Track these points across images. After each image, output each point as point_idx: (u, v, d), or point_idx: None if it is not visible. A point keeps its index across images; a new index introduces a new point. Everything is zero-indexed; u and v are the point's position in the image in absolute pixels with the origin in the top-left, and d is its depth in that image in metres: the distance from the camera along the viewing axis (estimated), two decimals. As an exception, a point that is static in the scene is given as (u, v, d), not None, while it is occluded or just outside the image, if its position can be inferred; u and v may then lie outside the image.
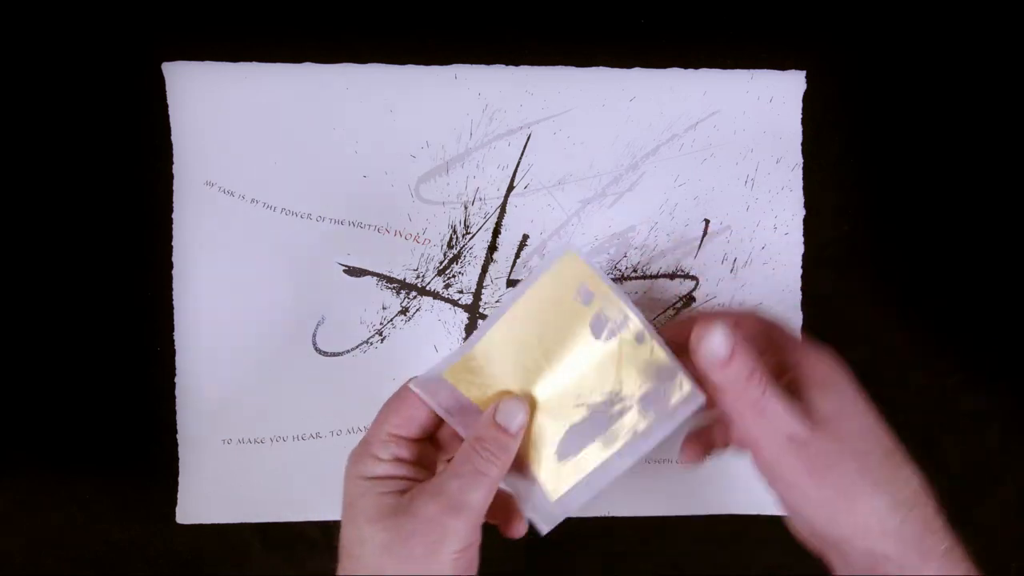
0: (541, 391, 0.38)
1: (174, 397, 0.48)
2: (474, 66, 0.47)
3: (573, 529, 0.49)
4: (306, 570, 0.49)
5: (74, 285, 0.47)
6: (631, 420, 0.38)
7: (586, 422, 0.38)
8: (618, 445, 0.38)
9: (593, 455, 0.38)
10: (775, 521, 0.49)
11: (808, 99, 0.48)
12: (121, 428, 0.48)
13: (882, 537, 0.34)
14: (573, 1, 0.48)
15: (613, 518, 0.49)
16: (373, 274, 0.48)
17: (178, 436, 0.48)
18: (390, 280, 0.48)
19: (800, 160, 0.48)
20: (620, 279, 0.48)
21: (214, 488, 0.48)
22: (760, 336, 0.37)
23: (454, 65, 0.47)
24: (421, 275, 0.48)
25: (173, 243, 0.47)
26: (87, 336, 0.48)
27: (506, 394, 0.38)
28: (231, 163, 0.47)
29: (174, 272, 0.47)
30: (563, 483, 0.38)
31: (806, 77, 0.48)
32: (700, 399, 0.37)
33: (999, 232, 0.50)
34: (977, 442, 0.50)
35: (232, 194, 0.47)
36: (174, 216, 0.47)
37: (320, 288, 0.48)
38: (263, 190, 0.47)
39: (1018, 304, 0.50)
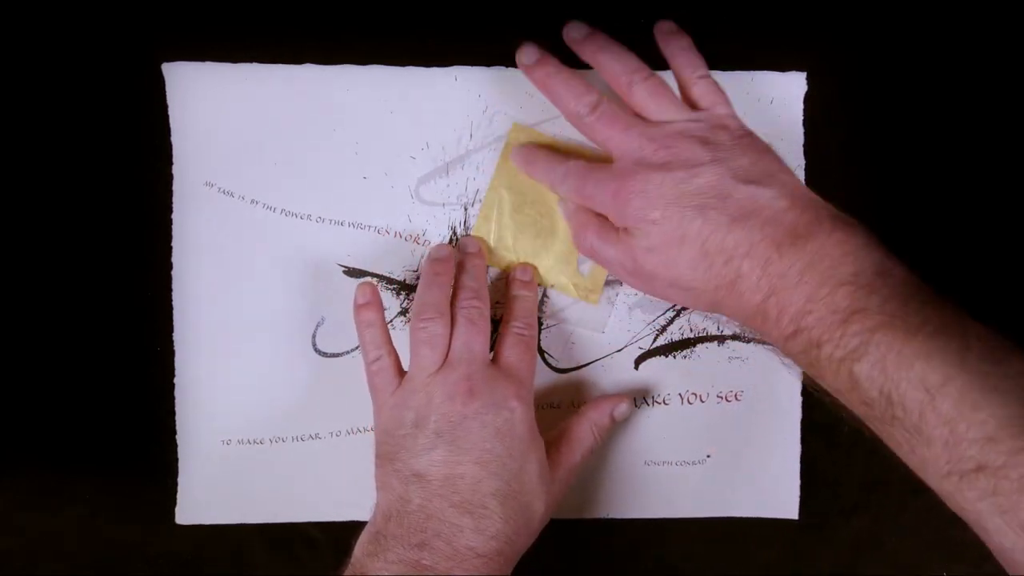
0: (547, 239, 0.47)
1: (173, 397, 0.48)
2: (474, 68, 0.47)
3: (573, 530, 0.49)
4: (306, 570, 0.49)
5: (74, 285, 0.47)
6: None
7: None
8: None
9: None
10: (775, 522, 0.50)
11: (809, 100, 0.48)
12: (121, 428, 0.48)
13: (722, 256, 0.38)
14: (573, 2, 0.47)
15: (612, 520, 0.49)
16: (373, 275, 0.48)
17: (177, 436, 0.48)
18: (390, 281, 0.48)
19: (802, 161, 0.48)
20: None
21: (214, 488, 0.48)
22: None
23: (454, 67, 0.47)
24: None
25: (173, 243, 0.47)
26: (87, 336, 0.48)
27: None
28: (231, 163, 0.47)
29: (174, 272, 0.47)
30: (596, 287, 0.48)
31: (807, 78, 0.48)
32: None
33: (1000, 232, 0.50)
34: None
35: (232, 195, 0.47)
36: (174, 216, 0.47)
37: (320, 288, 0.48)
38: (263, 190, 0.47)
39: (1018, 304, 0.50)
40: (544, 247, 0.47)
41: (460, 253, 0.46)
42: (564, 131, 0.47)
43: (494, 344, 0.45)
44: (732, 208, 0.38)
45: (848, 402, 0.36)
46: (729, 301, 0.39)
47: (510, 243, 0.47)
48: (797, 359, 0.37)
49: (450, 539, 0.39)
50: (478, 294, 0.44)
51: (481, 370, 0.42)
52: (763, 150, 0.41)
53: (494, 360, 0.44)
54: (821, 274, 0.36)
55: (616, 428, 0.48)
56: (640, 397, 0.49)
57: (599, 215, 0.43)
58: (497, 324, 0.47)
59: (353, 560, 0.40)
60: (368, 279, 0.48)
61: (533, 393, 0.44)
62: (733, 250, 0.38)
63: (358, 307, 0.45)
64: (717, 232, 0.38)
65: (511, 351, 0.44)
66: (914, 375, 0.33)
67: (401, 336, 0.46)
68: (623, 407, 0.47)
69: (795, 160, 0.48)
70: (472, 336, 0.43)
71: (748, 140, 0.41)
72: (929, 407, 0.32)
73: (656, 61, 0.47)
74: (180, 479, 0.48)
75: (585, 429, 0.46)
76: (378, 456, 0.43)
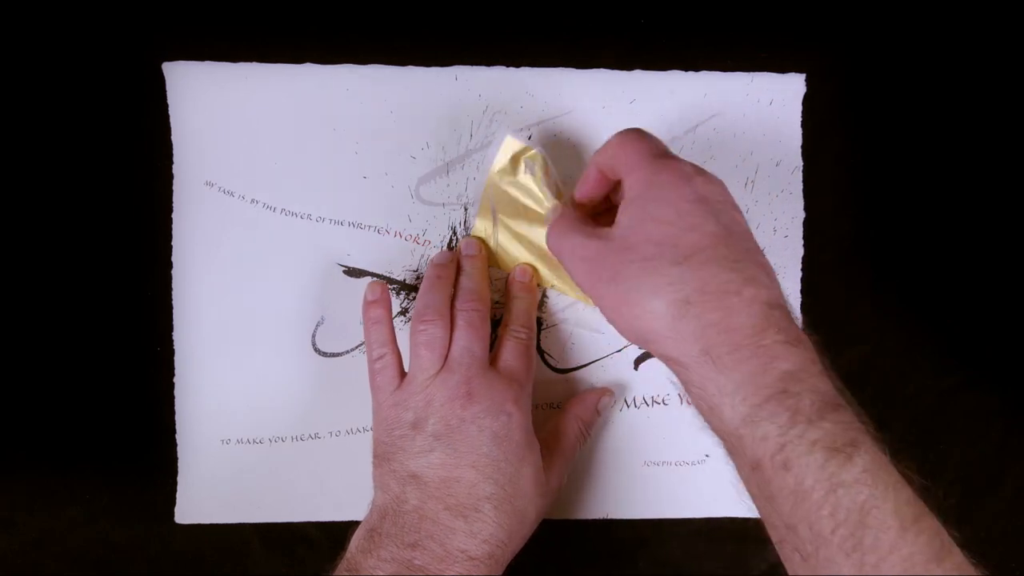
0: (539, 246, 0.46)
1: (173, 397, 0.48)
2: (475, 67, 0.47)
3: (573, 530, 0.49)
4: (305, 570, 0.49)
5: (74, 285, 0.47)
6: None
7: None
8: None
9: None
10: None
11: (808, 102, 0.48)
12: (120, 428, 0.48)
13: (665, 340, 0.35)
14: (573, 2, 0.48)
15: (612, 520, 0.49)
16: (373, 275, 0.48)
17: (177, 436, 0.48)
18: (390, 281, 0.48)
19: (800, 163, 0.48)
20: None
21: (213, 488, 0.48)
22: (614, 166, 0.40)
23: (455, 66, 0.47)
24: (421, 276, 0.48)
25: (173, 243, 0.47)
26: (86, 336, 0.48)
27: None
28: (231, 163, 0.47)
29: (174, 272, 0.47)
30: None
31: (806, 80, 0.48)
32: None
33: (999, 233, 0.50)
34: (977, 442, 0.50)
35: (232, 194, 0.47)
36: (174, 216, 0.47)
37: (320, 288, 0.48)
38: (263, 190, 0.47)
39: (1018, 304, 0.50)
40: (543, 247, 0.47)
41: (460, 255, 0.47)
42: (564, 131, 0.48)
43: (493, 345, 0.45)
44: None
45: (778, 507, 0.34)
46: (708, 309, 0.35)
47: (510, 243, 0.47)
48: (747, 432, 0.34)
49: (443, 541, 0.39)
50: (478, 296, 0.44)
51: (480, 374, 0.42)
52: None
53: (493, 364, 0.44)
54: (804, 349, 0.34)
55: (603, 422, 0.49)
56: (640, 397, 0.49)
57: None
58: (497, 324, 0.47)
59: (347, 555, 0.41)
60: (376, 278, 0.48)
61: (530, 397, 0.44)
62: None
63: (367, 304, 0.45)
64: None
65: (509, 355, 0.44)
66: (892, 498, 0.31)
67: (400, 335, 0.46)
68: (607, 398, 0.48)
69: (793, 161, 0.48)
70: (472, 339, 0.43)
71: None
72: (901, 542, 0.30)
73: (656, 61, 0.48)
74: (180, 479, 0.48)
75: (572, 425, 0.46)
76: (376, 455, 0.43)
